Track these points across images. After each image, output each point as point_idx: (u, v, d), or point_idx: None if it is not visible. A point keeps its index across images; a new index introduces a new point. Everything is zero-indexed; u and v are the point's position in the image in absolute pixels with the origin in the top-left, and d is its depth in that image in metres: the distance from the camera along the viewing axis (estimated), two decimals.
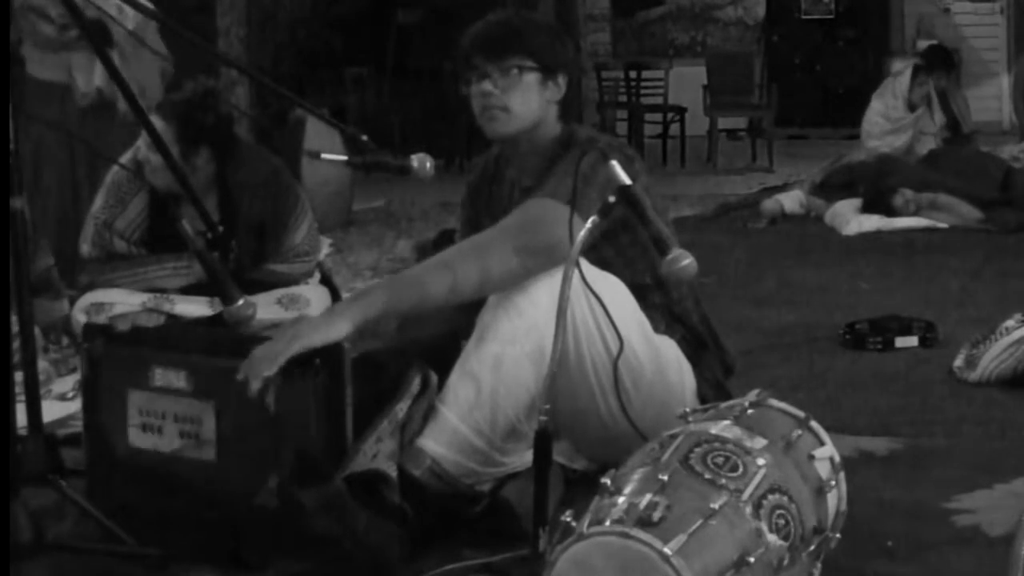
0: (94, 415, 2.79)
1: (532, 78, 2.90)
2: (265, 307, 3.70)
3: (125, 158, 4.26)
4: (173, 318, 4.11)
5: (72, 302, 4.38)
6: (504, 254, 2.68)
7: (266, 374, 2.49)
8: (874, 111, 8.75)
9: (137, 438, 2.70)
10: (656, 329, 2.85)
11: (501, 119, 2.91)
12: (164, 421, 2.66)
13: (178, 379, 2.65)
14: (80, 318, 4.12)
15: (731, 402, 2.48)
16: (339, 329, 2.57)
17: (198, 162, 4.11)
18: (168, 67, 5.23)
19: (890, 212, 7.60)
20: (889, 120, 8.64)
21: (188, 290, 4.22)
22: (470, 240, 2.81)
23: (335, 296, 4.38)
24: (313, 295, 4.29)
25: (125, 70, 5.16)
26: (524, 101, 2.90)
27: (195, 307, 4.15)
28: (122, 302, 4.19)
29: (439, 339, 2.88)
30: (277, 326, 3.57)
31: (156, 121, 3.95)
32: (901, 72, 8.73)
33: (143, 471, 2.68)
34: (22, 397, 2.66)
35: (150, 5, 4.59)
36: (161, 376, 2.67)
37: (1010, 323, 4.02)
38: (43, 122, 5.11)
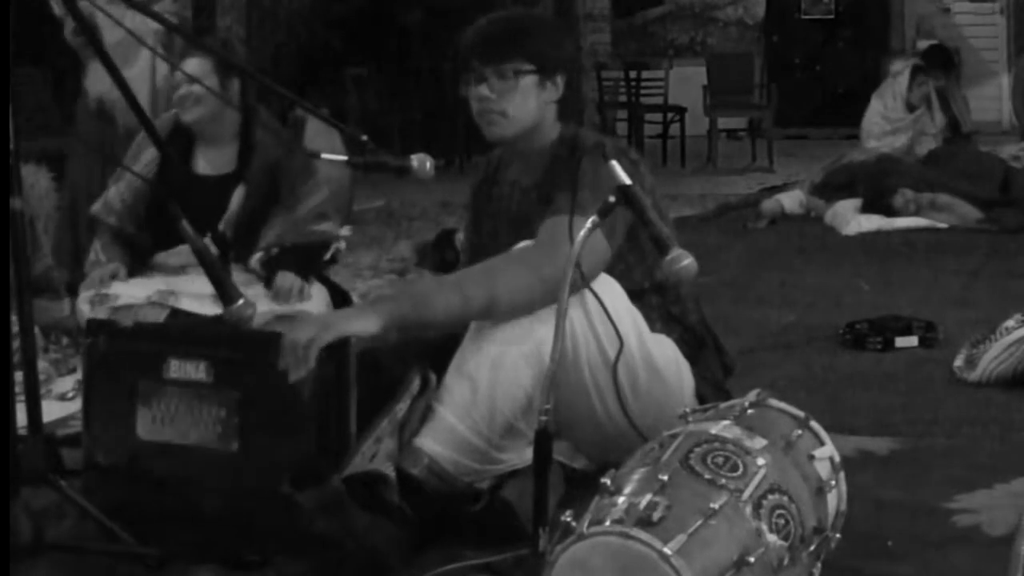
0: (95, 412, 2.79)
1: (529, 81, 2.88)
2: (261, 302, 3.72)
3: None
4: (176, 313, 4.11)
5: (74, 293, 4.40)
6: (554, 271, 2.64)
7: (310, 364, 2.49)
8: (873, 111, 8.75)
9: (147, 431, 2.70)
10: (653, 328, 2.85)
11: (499, 123, 2.90)
12: (178, 413, 2.66)
13: (197, 370, 2.65)
14: (84, 308, 4.13)
15: (731, 402, 2.48)
16: (371, 323, 2.56)
17: (231, 94, 4.27)
18: (166, 78, 5.31)
19: (890, 212, 7.60)
20: (888, 121, 8.64)
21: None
22: (515, 256, 2.76)
23: (333, 292, 4.38)
24: (311, 289, 4.29)
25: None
26: (521, 105, 2.88)
27: (200, 304, 4.16)
28: (127, 294, 4.19)
29: (439, 339, 2.88)
30: (289, 318, 3.59)
31: (194, 60, 4.22)
32: (900, 72, 8.73)
33: (152, 465, 2.68)
34: (22, 397, 2.66)
35: (163, 14, 4.69)
36: (177, 368, 2.67)
37: (1010, 323, 4.02)
38: (68, 130, 5.22)
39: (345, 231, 4.73)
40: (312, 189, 4.40)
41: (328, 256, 4.43)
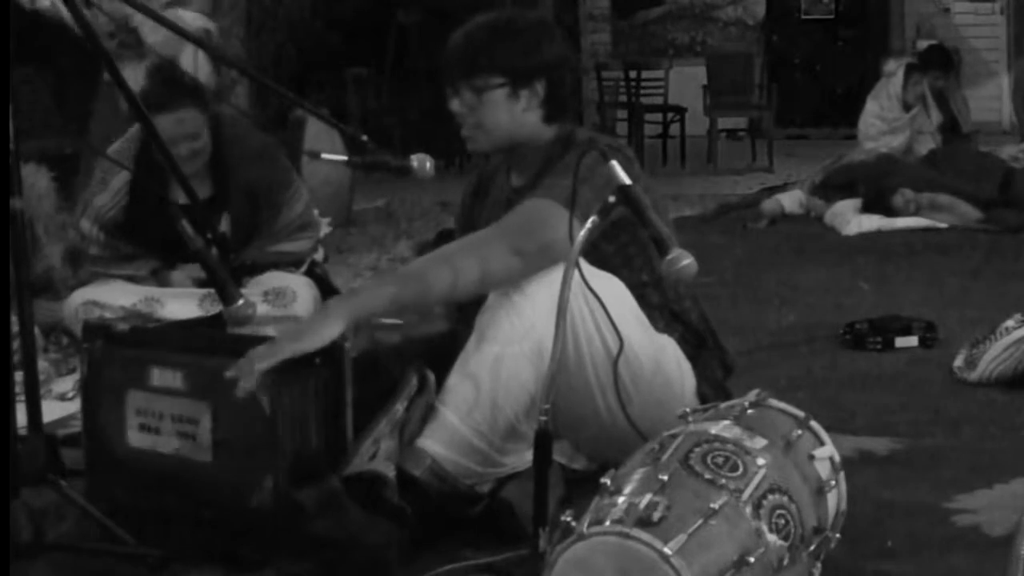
0: (94, 415, 2.79)
1: (499, 94, 2.85)
2: None
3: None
4: (160, 322, 4.12)
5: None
6: (502, 253, 2.68)
7: (257, 368, 2.48)
8: (869, 113, 8.76)
9: (136, 438, 2.69)
10: (654, 328, 2.85)
11: (476, 138, 2.89)
12: (162, 421, 2.66)
13: (175, 379, 2.64)
14: (73, 315, 4.16)
15: (731, 402, 2.48)
16: (332, 329, 2.55)
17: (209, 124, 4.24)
18: (209, 78, 5.36)
19: (890, 212, 7.60)
20: (885, 121, 8.65)
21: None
22: (469, 237, 2.80)
23: (325, 292, 4.38)
24: (300, 289, 4.29)
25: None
26: (493, 118, 2.86)
27: (184, 307, 4.16)
28: (111, 304, 4.20)
29: (438, 339, 2.88)
30: (276, 320, 3.60)
31: (187, 113, 4.11)
32: (894, 73, 8.73)
33: (142, 471, 2.68)
34: (22, 397, 2.66)
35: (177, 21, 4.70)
36: (159, 376, 2.66)
37: (1010, 323, 4.02)
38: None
39: (325, 227, 4.72)
40: (291, 198, 4.36)
41: (302, 270, 4.41)
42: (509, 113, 2.87)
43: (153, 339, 2.81)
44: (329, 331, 2.55)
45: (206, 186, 4.25)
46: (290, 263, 4.37)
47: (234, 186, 4.24)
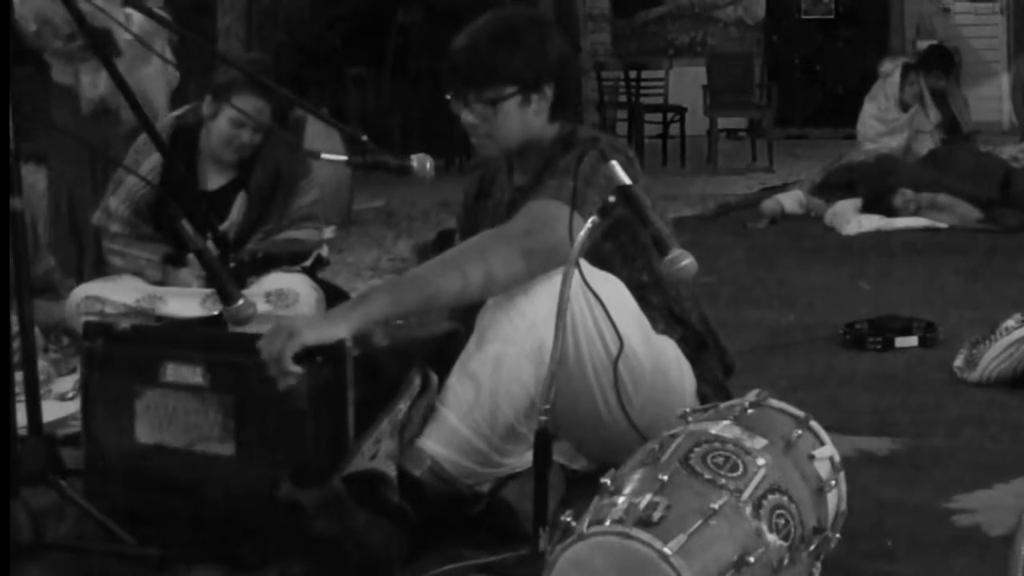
0: (94, 414, 2.79)
1: (512, 103, 2.84)
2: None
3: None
4: (162, 320, 4.12)
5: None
6: (509, 256, 2.67)
7: (289, 372, 2.49)
8: (867, 114, 8.76)
9: (145, 435, 2.69)
10: (655, 328, 2.85)
11: (488, 146, 2.90)
12: (175, 417, 2.66)
13: (193, 374, 2.64)
14: (74, 311, 4.16)
15: (731, 402, 2.48)
16: (337, 331, 2.56)
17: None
18: (173, 75, 5.37)
19: (890, 212, 7.61)
20: (883, 122, 8.65)
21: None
22: (473, 241, 2.79)
23: (328, 294, 4.38)
24: (303, 290, 4.30)
25: (129, 78, 5.27)
26: (506, 126, 2.86)
27: (187, 305, 4.17)
28: (113, 300, 4.20)
29: (439, 339, 2.88)
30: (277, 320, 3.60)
31: (250, 99, 4.17)
32: (891, 73, 8.73)
33: (150, 468, 2.68)
34: (22, 397, 2.66)
35: (161, 13, 4.71)
36: (174, 372, 2.66)
37: (1010, 323, 4.02)
38: (56, 128, 5.22)
39: (329, 232, 4.75)
40: (305, 187, 4.44)
41: (308, 263, 4.44)
42: (521, 119, 2.87)
43: (162, 336, 2.82)
44: (333, 332, 2.56)
45: (229, 173, 4.30)
46: (297, 253, 4.38)
47: (260, 165, 4.32)
